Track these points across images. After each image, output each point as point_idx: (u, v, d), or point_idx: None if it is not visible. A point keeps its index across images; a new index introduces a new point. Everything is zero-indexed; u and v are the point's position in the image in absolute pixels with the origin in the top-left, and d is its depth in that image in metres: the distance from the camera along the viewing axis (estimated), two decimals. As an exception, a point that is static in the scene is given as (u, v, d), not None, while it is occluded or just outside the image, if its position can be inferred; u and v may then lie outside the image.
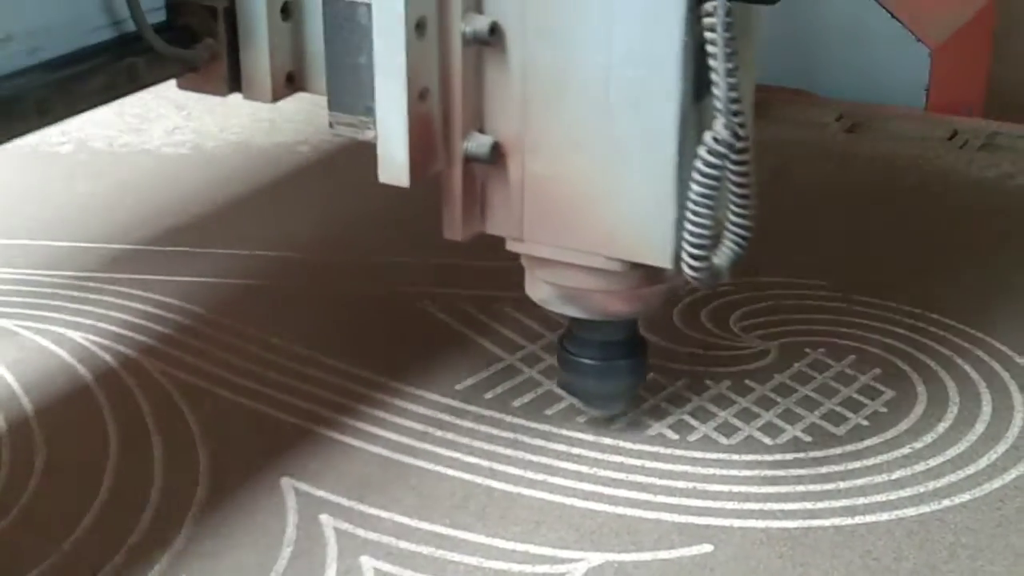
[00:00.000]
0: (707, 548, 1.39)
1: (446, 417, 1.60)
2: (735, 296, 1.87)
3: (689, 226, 1.29)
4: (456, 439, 1.56)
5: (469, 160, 1.37)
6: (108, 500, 1.45)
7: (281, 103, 1.44)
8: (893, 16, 2.61)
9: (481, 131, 1.38)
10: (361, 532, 1.41)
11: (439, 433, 1.57)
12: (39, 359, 1.70)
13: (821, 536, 1.40)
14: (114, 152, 2.35)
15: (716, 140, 1.25)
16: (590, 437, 1.56)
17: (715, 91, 1.24)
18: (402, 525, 1.42)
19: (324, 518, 1.43)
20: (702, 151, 1.26)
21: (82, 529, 1.41)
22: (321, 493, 1.46)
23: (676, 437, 1.56)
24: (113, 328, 1.76)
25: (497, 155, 1.37)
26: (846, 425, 1.58)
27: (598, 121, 1.32)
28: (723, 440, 1.56)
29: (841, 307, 1.84)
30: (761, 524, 1.42)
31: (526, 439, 1.56)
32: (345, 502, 1.45)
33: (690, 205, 1.28)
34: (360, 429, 1.57)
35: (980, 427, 1.58)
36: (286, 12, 1.39)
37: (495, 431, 1.57)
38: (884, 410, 1.61)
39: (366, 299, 1.85)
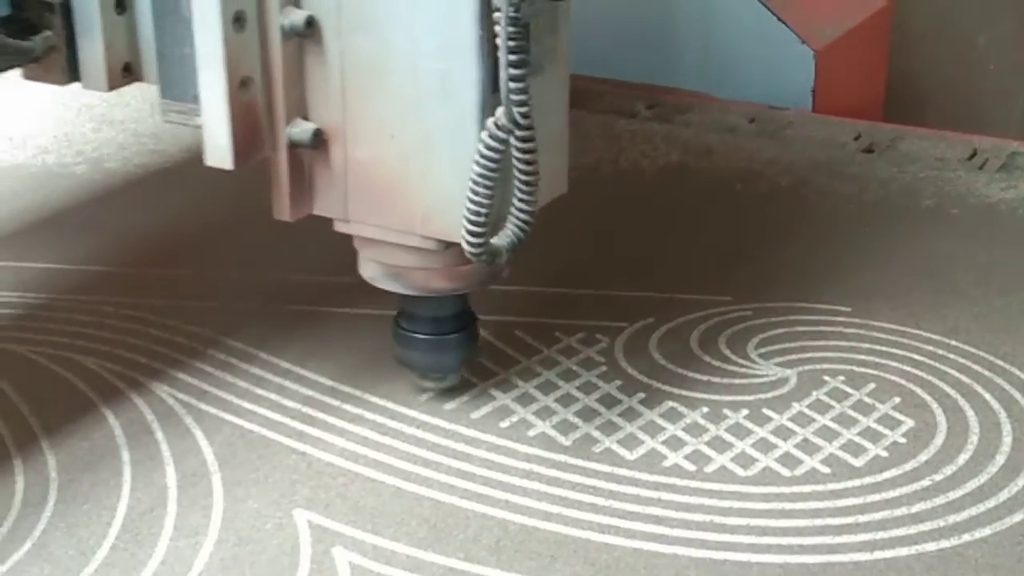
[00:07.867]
0: (724, 583, 1.38)
1: (460, 447, 1.59)
2: (754, 322, 1.86)
3: (468, 204, 1.35)
4: (470, 469, 1.54)
5: (294, 146, 1.45)
6: (121, 533, 1.44)
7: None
8: (779, 19, 2.70)
9: (305, 118, 1.45)
10: (375, 566, 1.39)
11: (452, 463, 1.56)
12: (51, 384, 1.69)
13: (840, 572, 1.38)
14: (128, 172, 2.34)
15: (497, 125, 1.32)
16: (606, 468, 1.55)
17: (500, 80, 1.30)
18: (416, 559, 1.40)
19: (337, 551, 1.41)
20: (483, 135, 1.33)
21: (96, 563, 1.40)
22: (334, 525, 1.45)
23: (693, 468, 1.55)
24: (125, 354, 1.76)
25: (320, 141, 1.45)
26: (865, 456, 1.56)
27: (409, 110, 1.41)
28: (740, 472, 1.54)
29: (861, 333, 1.82)
30: (779, 559, 1.40)
31: (541, 470, 1.55)
32: (359, 535, 1.44)
33: (469, 185, 1.34)
34: (371, 458, 1.56)
35: (1000, 459, 1.56)
36: (121, 6, 1.48)
37: (510, 461, 1.56)
38: (903, 440, 1.59)
39: (372, 320, 1.83)
